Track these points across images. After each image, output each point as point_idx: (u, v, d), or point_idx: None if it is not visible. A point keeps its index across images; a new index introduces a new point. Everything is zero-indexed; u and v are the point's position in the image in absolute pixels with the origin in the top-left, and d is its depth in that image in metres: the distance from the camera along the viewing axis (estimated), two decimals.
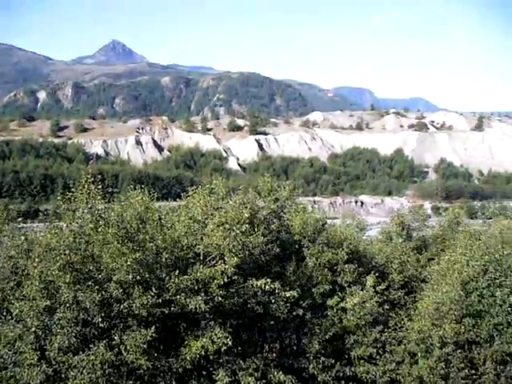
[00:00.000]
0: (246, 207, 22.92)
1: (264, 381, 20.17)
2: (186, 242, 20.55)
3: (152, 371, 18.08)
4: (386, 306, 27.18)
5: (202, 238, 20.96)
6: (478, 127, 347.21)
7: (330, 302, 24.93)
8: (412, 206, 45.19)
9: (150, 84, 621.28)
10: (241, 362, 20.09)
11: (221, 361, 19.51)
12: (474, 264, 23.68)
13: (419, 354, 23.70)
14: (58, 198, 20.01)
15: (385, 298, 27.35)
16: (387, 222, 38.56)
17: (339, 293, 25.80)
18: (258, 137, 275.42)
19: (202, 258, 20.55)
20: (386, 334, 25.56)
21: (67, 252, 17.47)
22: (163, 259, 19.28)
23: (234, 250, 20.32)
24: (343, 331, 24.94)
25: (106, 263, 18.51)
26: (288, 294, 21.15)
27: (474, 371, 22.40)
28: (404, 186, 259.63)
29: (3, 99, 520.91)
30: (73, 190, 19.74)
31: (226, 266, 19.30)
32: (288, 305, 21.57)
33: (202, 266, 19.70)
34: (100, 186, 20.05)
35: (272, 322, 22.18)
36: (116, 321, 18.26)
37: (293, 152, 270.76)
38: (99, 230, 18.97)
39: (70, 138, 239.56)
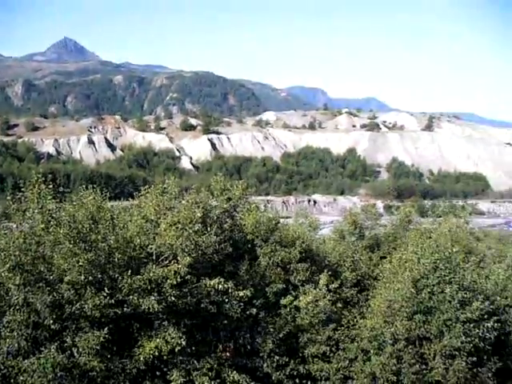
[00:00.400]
0: (199, 207, 22.88)
1: (218, 380, 20.15)
2: (139, 242, 20.41)
3: (105, 373, 17.90)
4: (339, 304, 27.38)
5: (154, 238, 20.86)
6: (429, 127, 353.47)
7: (283, 301, 25.02)
8: (364, 205, 45.78)
9: (103, 82, 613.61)
10: (195, 361, 20.04)
11: (175, 361, 19.44)
12: (424, 262, 23.97)
13: (372, 351, 23.93)
14: (8, 198, 19.62)
15: (338, 296, 27.55)
16: (340, 221, 38.89)
17: (292, 291, 25.88)
18: (210, 136, 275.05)
19: (154, 257, 20.44)
20: (339, 331, 25.74)
21: (17, 253, 17.16)
22: (116, 259, 19.12)
23: (186, 250, 20.26)
24: (297, 330, 25.04)
25: (58, 264, 18.27)
26: (241, 294, 21.17)
27: (424, 366, 22.73)
28: (356, 185, 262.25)
29: None
30: (23, 189, 19.40)
31: (179, 266, 19.25)
32: (241, 304, 21.57)
33: (154, 266, 19.60)
34: (51, 186, 19.77)
35: (226, 322, 22.14)
36: (68, 322, 18.04)
37: (246, 151, 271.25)
38: (50, 230, 18.70)
39: (21, 137, 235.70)
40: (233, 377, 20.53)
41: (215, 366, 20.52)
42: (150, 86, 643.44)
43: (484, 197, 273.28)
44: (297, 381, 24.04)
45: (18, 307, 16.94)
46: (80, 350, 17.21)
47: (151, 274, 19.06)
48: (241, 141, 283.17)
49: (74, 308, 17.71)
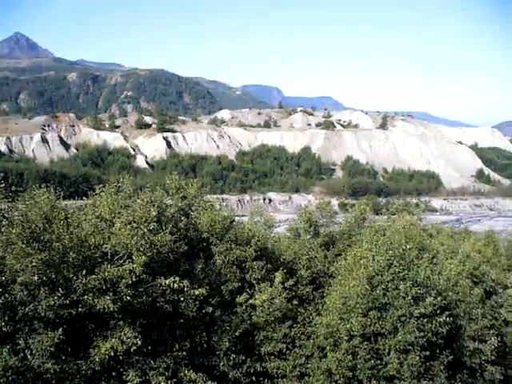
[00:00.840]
0: (154, 205, 22.80)
1: (175, 380, 20.08)
2: (94, 241, 20.21)
3: (59, 375, 17.66)
4: (295, 302, 27.51)
5: (109, 237, 20.70)
6: (383, 126, 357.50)
7: (239, 299, 25.05)
8: (319, 203, 45.85)
9: (56, 80, 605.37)
10: (151, 361, 19.93)
11: (131, 361, 19.29)
12: (379, 259, 24.23)
13: (328, 348, 24.12)
14: None
15: (293, 293, 27.68)
16: (295, 219, 39.02)
17: (248, 290, 25.95)
18: (166, 134, 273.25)
19: (109, 257, 20.29)
20: (295, 329, 25.89)
21: None
22: (70, 259, 18.89)
23: (141, 249, 20.17)
24: (253, 328, 25.11)
25: (10, 264, 18.00)
26: (197, 292, 21.15)
27: (379, 361, 22.98)
28: (311, 183, 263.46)
29: None
30: None
31: (134, 265, 19.14)
32: (197, 303, 21.55)
33: (109, 266, 19.43)
34: (3, 185, 19.50)
35: (182, 321, 22.09)
36: (21, 324, 17.76)
37: (201, 150, 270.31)
38: (2, 230, 18.45)
39: None
40: (189, 376, 20.47)
41: (171, 365, 20.44)
42: (104, 84, 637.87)
43: (437, 194, 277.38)
44: (253, 379, 24.12)
45: None
46: (33, 352, 16.98)
47: (106, 274, 18.89)
48: (196, 139, 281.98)
49: (27, 309, 17.47)
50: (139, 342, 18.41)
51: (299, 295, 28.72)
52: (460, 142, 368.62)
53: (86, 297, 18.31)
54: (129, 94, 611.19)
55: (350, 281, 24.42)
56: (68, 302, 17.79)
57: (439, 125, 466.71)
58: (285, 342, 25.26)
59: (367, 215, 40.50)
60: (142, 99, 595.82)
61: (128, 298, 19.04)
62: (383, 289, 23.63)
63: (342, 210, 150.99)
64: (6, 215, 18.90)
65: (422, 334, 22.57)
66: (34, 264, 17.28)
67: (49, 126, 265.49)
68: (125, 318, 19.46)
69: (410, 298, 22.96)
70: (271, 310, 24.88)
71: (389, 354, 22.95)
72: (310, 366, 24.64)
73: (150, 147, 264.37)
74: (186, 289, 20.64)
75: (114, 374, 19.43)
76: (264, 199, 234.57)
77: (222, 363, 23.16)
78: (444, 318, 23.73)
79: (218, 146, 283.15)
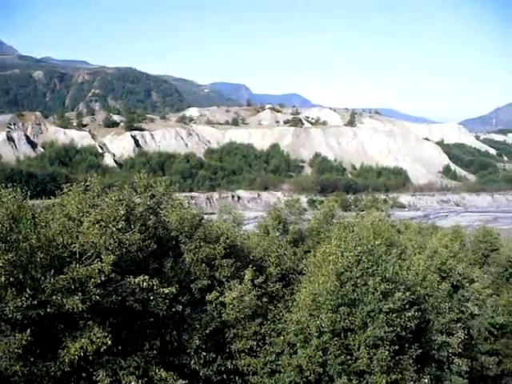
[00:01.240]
0: (122, 204, 22.66)
1: (146, 379, 20.02)
2: (62, 241, 19.99)
3: (28, 377, 17.46)
4: (265, 299, 27.56)
5: (77, 237, 20.52)
6: (351, 123, 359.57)
7: (208, 297, 25.02)
8: (288, 200, 45.98)
9: (22, 77, 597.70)
10: (121, 360, 19.80)
11: (101, 361, 19.15)
12: (347, 255, 24.36)
13: (298, 344, 24.22)
14: None
15: (263, 291, 27.72)
16: (264, 216, 39.06)
17: (218, 287, 25.93)
18: (134, 133, 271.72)
19: (78, 256, 20.12)
20: (266, 326, 25.95)
21: None
22: (38, 259, 18.67)
23: (110, 248, 20.06)
24: (223, 325, 25.09)
25: None
26: (166, 291, 21.08)
27: (349, 357, 23.14)
28: (280, 180, 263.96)
29: None
30: None
31: (103, 264, 19.01)
32: (167, 301, 21.48)
33: (78, 265, 19.27)
34: None
35: (152, 319, 22.01)
36: None
37: (169, 148, 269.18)
38: None
39: None
40: (160, 375, 20.41)
41: (142, 364, 20.35)
42: (71, 82, 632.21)
43: (404, 190, 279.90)
44: (224, 376, 24.14)
45: None
46: (0, 354, 16.79)
47: (75, 273, 18.72)
48: (164, 137, 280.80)
49: None
50: (109, 342, 18.29)
51: (269, 292, 28.76)
52: (427, 139, 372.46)
53: (54, 297, 18.13)
54: (96, 92, 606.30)
55: (320, 277, 24.54)
56: (36, 302, 17.60)
57: (406, 121, 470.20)
58: (255, 339, 25.30)
59: (336, 212, 40.73)
60: (110, 97, 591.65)
61: (97, 297, 18.89)
62: (352, 285, 23.78)
63: (311, 206, 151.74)
64: None
65: (391, 328, 22.79)
66: (0, 265, 17.07)
67: (14, 124, 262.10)
68: (94, 317, 19.31)
69: (378, 293, 23.14)
70: (241, 307, 24.88)
71: (359, 349, 23.11)
72: (280, 362, 24.72)
73: (118, 146, 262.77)
74: (155, 287, 20.56)
75: (83, 374, 19.28)
76: (233, 197, 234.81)
77: (192, 361, 23.13)
78: (412, 312, 24.02)
79: (186, 144, 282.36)
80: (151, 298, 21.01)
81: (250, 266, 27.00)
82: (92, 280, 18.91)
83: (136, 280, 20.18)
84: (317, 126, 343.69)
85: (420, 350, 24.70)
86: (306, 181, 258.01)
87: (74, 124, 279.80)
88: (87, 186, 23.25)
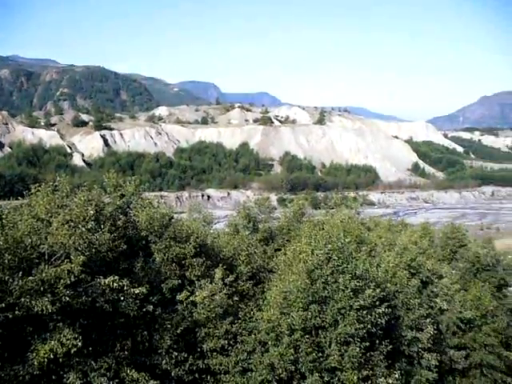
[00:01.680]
0: (92, 204, 22.50)
1: (117, 380, 19.90)
2: (30, 242, 19.78)
3: None
4: (236, 298, 27.53)
5: (46, 237, 20.34)
6: (320, 121, 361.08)
7: (179, 297, 24.93)
8: (258, 199, 45.93)
9: None
10: (92, 362, 19.63)
11: (71, 363, 18.96)
12: (318, 253, 24.43)
13: (270, 343, 24.25)
14: None
15: (234, 289, 27.69)
16: (234, 215, 39.05)
17: (188, 287, 25.85)
18: (103, 132, 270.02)
19: (46, 257, 19.92)
20: (237, 325, 25.92)
21: None
22: (5, 261, 18.43)
23: (80, 248, 19.89)
24: (194, 325, 25.02)
25: None
26: (137, 291, 20.96)
27: (320, 354, 23.20)
28: (250, 179, 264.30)
29: None
30: None
31: (73, 265, 18.84)
32: (137, 301, 21.35)
33: (47, 266, 19.08)
34: None
35: (122, 320, 21.87)
36: None
37: (138, 147, 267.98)
38: None
39: None
40: (131, 375, 20.30)
41: (113, 365, 20.23)
42: (39, 81, 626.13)
43: (374, 188, 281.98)
44: (196, 376, 24.07)
45: None
46: None
47: (43, 275, 18.53)
48: (133, 137, 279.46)
49: None
50: (79, 344, 18.13)
51: (240, 291, 28.75)
52: (396, 137, 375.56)
53: (22, 299, 17.91)
54: (65, 91, 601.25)
55: (290, 275, 24.60)
56: (4, 305, 17.40)
57: (375, 120, 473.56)
58: (227, 338, 25.26)
59: (306, 210, 40.84)
60: (79, 96, 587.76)
61: (67, 298, 18.71)
62: (323, 282, 23.86)
63: (281, 205, 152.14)
64: None
65: (361, 325, 22.91)
66: None
67: None
68: (64, 319, 19.13)
69: (349, 290, 23.26)
70: (212, 306, 24.83)
71: (330, 346, 23.20)
72: (252, 361, 24.72)
73: (87, 145, 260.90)
74: (125, 288, 20.43)
75: (53, 377, 19.07)
76: (202, 196, 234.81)
77: (164, 361, 23.02)
78: (383, 309, 24.18)
79: (155, 144, 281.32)
80: (122, 298, 20.86)
81: (221, 264, 26.96)
82: (61, 281, 18.72)
83: (106, 280, 20.03)
84: (286, 124, 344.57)
85: (390, 346, 24.88)
86: (276, 179, 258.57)
87: (42, 123, 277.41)
88: (56, 186, 23.04)
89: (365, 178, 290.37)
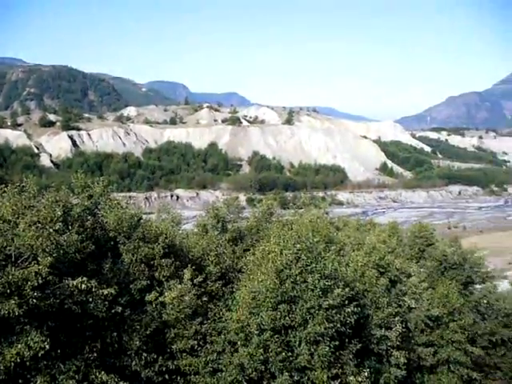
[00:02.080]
0: (59, 205, 22.31)
1: (86, 382, 19.75)
2: None
3: None
4: (205, 298, 27.46)
5: (12, 239, 20.09)
6: (289, 121, 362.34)
7: (148, 298, 24.81)
8: (227, 199, 45.85)
9: None
10: (60, 365, 19.45)
11: (39, 366, 18.76)
12: (287, 253, 24.44)
13: (239, 343, 24.22)
14: None
15: (203, 290, 27.61)
16: (202, 215, 38.89)
17: (157, 287, 25.72)
18: (71, 132, 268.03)
19: (13, 259, 19.70)
20: (206, 325, 25.85)
21: None
22: None
23: (47, 250, 19.67)
24: (164, 325, 24.92)
25: None
26: (105, 292, 20.81)
27: (290, 353, 23.23)
28: (218, 179, 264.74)
29: None
30: None
31: (40, 267, 18.64)
32: (106, 303, 21.20)
33: (13, 268, 18.86)
34: None
35: (91, 322, 21.71)
36: None
37: (107, 147, 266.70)
38: None
39: None
40: (101, 377, 20.14)
41: (82, 367, 20.05)
42: (4, 80, 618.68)
43: (342, 188, 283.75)
44: (166, 377, 23.97)
45: None
46: None
47: (10, 277, 18.29)
48: (102, 137, 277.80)
49: None
50: (47, 346, 17.95)
51: (209, 291, 28.67)
52: (364, 137, 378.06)
53: None
54: (31, 90, 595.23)
55: (259, 275, 24.59)
56: None
57: (344, 120, 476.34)
58: (196, 338, 25.19)
59: (274, 210, 40.77)
60: (46, 96, 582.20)
61: (34, 300, 18.49)
62: (292, 282, 23.89)
63: (250, 205, 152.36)
64: None
65: (331, 324, 23.00)
66: None
67: None
68: (31, 321, 18.91)
69: (318, 290, 23.33)
70: (181, 307, 24.74)
71: (299, 345, 23.24)
72: (222, 361, 24.67)
73: (55, 146, 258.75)
74: (94, 289, 20.27)
75: (20, 381, 18.89)
76: (171, 196, 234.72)
77: (133, 363, 22.89)
78: (352, 308, 24.30)
79: (124, 144, 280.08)
80: (90, 299, 20.70)
81: (190, 265, 26.86)
82: (29, 283, 18.51)
83: (74, 282, 19.85)
84: (255, 124, 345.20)
85: (360, 345, 25.02)
86: (245, 179, 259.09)
87: (9, 123, 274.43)
88: (23, 187, 22.80)
89: (333, 177, 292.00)
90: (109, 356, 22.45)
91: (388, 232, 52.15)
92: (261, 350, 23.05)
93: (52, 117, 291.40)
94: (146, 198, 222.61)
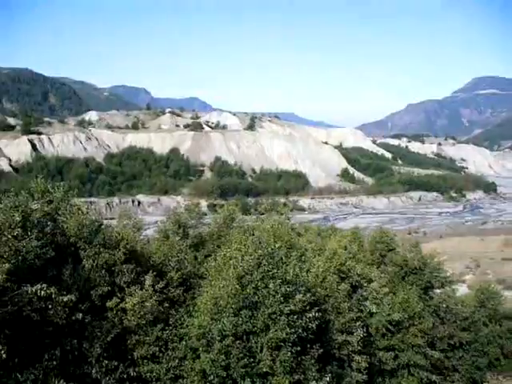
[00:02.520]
0: (18, 210, 22.00)
1: None
2: None
3: None
4: (166, 304, 27.31)
5: None
6: (251, 127, 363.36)
7: (109, 304, 24.58)
8: (188, 204, 45.84)
9: None
10: (18, 374, 19.17)
11: None
12: (248, 258, 24.41)
13: (201, 349, 24.11)
14: None
15: (164, 296, 27.45)
16: (164, 221, 38.76)
17: (118, 294, 25.51)
18: (31, 137, 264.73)
19: None
20: (168, 331, 25.70)
21: None
22: None
23: (5, 256, 19.40)
24: (125, 332, 24.70)
25: None
26: (66, 299, 20.55)
27: (252, 359, 23.21)
28: (180, 184, 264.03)
29: None
30: None
31: None
32: (66, 309, 20.93)
33: None
34: None
35: (50, 329, 21.43)
36: None
37: (68, 152, 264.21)
38: None
39: None
40: None
41: (41, 376, 19.77)
42: None
43: (304, 193, 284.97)
44: None
45: None
46: None
47: None
48: (63, 141, 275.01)
49: None
50: (4, 355, 17.67)
51: (170, 297, 28.51)
52: (326, 143, 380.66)
53: None
54: None
55: (221, 281, 24.54)
56: None
57: (306, 126, 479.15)
58: (157, 344, 25.04)
59: (236, 215, 40.82)
60: (5, 100, 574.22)
61: None
62: (253, 288, 23.88)
63: (211, 210, 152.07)
64: None
65: (292, 330, 23.01)
66: None
67: None
68: None
69: (279, 295, 23.34)
70: (142, 313, 24.56)
71: (261, 351, 23.23)
72: (183, 367, 24.56)
73: (15, 150, 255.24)
74: (53, 295, 19.99)
75: None
76: (133, 201, 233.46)
77: (94, 370, 22.62)
78: (313, 313, 24.35)
79: (85, 149, 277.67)
80: (50, 306, 20.42)
81: (151, 271, 26.71)
82: None
83: (33, 289, 19.57)
84: (217, 130, 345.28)
85: (321, 350, 25.07)
86: (206, 185, 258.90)
87: None
88: None
89: (295, 183, 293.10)
90: (69, 364, 22.15)
91: (349, 238, 52.40)
92: (222, 356, 22.98)
93: (11, 120, 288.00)
94: (108, 203, 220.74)
